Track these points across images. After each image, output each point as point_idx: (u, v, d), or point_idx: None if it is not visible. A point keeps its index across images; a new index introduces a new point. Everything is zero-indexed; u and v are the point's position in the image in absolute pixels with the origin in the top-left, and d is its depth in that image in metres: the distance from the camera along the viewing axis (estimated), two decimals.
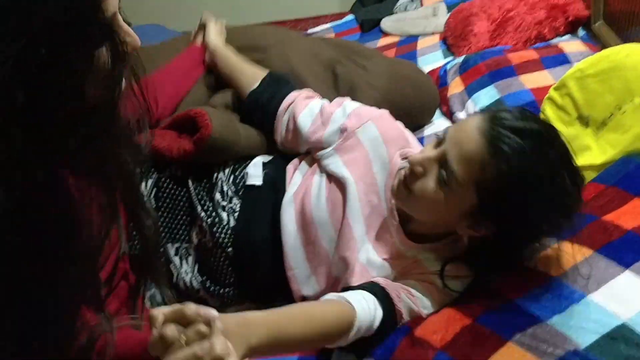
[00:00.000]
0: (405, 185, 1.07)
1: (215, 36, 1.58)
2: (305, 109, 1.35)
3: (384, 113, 1.31)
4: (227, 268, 1.29)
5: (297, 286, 1.25)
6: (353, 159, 1.24)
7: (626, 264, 0.99)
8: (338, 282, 1.21)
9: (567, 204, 1.00)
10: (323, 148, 1.29)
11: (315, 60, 1.67)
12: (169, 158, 1.33)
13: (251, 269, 1.29)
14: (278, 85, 1.43)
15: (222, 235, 1.28)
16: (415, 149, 1.26)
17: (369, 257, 1.17)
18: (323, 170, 1.28)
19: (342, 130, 1.28)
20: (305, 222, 1.24)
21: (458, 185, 1.00)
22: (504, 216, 1.01)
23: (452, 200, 1.02)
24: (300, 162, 1.37)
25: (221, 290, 1.29)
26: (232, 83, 1.50)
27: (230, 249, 1.28)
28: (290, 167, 1.36)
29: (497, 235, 1.05)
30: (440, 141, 1.06)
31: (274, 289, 1.29)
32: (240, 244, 1.28)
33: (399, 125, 1.31)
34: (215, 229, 1.28)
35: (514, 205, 0.99)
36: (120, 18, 0.80)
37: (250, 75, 1.47)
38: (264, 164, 1.38)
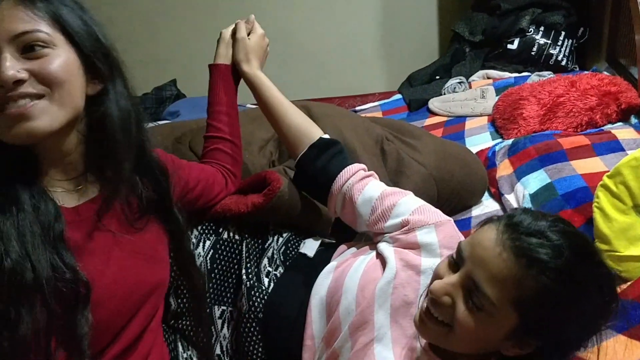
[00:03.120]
0: (431, 317, 0.96)
1: (256, 66, 1.46)
2: (363, 193, 1.27)
3: (449, 222, 1.21)
4: (256, 336, 1.26)
5: (310, 356, 1.20)
6: (404, 254, 1.17)
7: None
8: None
9: (614, 289, 0.93)
10: (383, 234, 1.25)
11: (366, 134, 1.70)
12: (236, 212, 1.36)
13: (278, 337, 1.26)
14: (329, 154, 1.35)
15: (258, 300, 1.27)
16: None
17: (384, 355, 1.08)
18: (374, 247, 1.25)
19: (403, 224, 1.20)
20: (335, 288, 1.20)
21: (494, 308, 0.89)
22: (552, 327, 0.89)
23: (490, 325, 0.91)
24: (353, 245, 1.33)
25: None
26: (273, 120, 1.43)
27: (261, 314, 1.26)
28: (342, 246, 1.34)
29: (544, 347, 0.92)
30: (456, 260, 0.96)
31: None
32: (271, 308, 1.26)
33: (460, 236, 1.21)
34: (252, 292, 1.27)
35: (563, 312, 0.88)
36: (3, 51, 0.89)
37: (301, 126, 1.39)
38: (323, 243, 1.38)
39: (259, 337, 1.26)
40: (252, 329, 1.26)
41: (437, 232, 1.17)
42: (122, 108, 1.00)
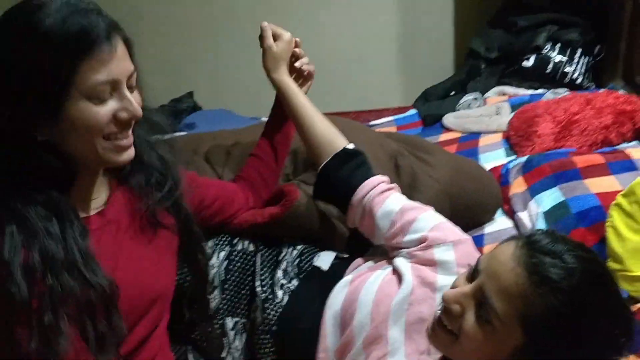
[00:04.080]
0: (441, 325, 0.97)
1: (284, 72, 1.47)
2: (383, 206, 1.28)
3: (467, 240, 1.21)
4: (269, 348, 1.27)
5: None
6: (421, 270, 1.17)
7: None
8: None
9: (628, 323, 0.90)
10: (400, 249, 1.25)
11: (380, 149, 1.71)
12: (252, 223, 1.39)
13: (291, 349, 1.27)
14: (352, 165, 1.36)
15: (272, 312, 1.28)
16: None
17: None
18: (390, 262, 1.25)
19: (422, 241, 1.20)
20: (350, 301, 1.20)
21: (501, 323, 0.89)
22: (559, 352, 0.88)
23: (496, 340, 0.91)
24: (369, 259, 1.33)
25: None
26: (299, 128, 1.45)
27: (275, 327, 1.27)
28: (358, 260, 1.34)
29: None
30: (473, 272, 0.96)
31: None
32: (285, 321, 1.27)
33: (478, 255, 1.17)
34: (267, 304, 1.28)
35: (570, 337, 0.87)
36: (124, 88, 0.96)
37: (326, 135, 1.40)
38: (337, 257, 1.39)
39: (273, 349, 1.27)
40: (265, 341, 1.27)
41: (455, 250, 1.17)
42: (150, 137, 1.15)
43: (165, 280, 1.16)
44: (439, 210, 1.57)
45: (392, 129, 2.74)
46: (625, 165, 1.78)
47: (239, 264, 1.36)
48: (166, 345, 1.20)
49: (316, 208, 1.44)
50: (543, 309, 0.86)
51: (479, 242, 1.71)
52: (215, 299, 1.31)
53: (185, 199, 1.18)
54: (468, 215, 1.74)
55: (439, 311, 0.99)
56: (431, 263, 1.17)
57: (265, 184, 1.48)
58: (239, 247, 1.38)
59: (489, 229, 1.78)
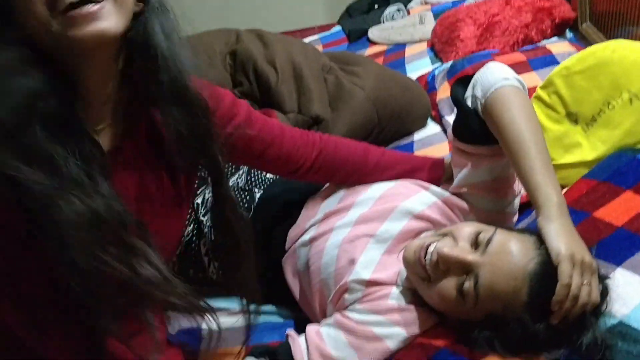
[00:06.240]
0: (422, 265, 0.98)
1: None
2: None
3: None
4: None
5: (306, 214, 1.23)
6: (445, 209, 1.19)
7: (617, 261, 0.97)
8: None
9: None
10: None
11: (314, 61, 1.73)
12: None
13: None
14: None
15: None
16: None
17: (372, 254, 1.09)
18: None
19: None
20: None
21: (474, 305, 0.93)
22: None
23: (459, 307, 0.95)
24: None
25: None
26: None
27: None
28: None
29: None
30: (479, 242, 0.95)
31: None
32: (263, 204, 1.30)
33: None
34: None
35: (528, 342, 0.90)
36: None
37: None
38: None
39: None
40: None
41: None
42: (166, 26, 0.89)
43: (181, 223, 1.04)
44: (366, 117, 1.59)
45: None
46: (546, 61, 1.80)
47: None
48: None
49: None
50: (515, 322, 0.90)
51: (409, 149, 1.71)
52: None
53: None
54: (397, 122, 1.74)
55: (428, 248, 0.98)
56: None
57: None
58: (230, 182, 1.34)
59: (417, 135, 1.79)
